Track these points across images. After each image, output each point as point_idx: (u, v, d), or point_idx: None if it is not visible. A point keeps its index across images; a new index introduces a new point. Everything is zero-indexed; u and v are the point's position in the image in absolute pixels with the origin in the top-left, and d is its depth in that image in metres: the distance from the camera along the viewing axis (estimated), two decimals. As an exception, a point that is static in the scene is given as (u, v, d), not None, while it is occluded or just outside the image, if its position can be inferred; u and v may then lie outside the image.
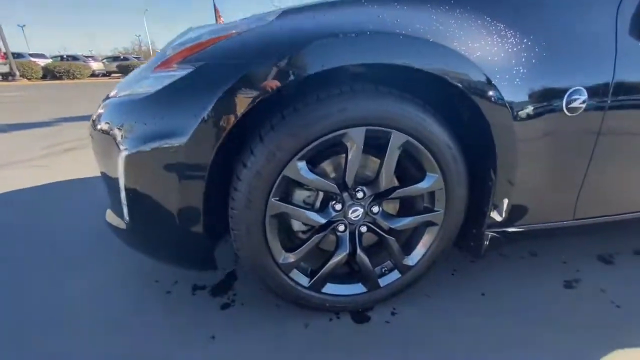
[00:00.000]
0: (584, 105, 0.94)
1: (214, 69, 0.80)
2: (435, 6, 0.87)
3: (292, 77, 0.77)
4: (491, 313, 1.09)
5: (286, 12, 0.89)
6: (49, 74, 16.98)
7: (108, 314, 1.09)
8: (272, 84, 0.77)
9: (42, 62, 18.18)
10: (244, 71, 0.77)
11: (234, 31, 0.87)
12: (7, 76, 14.69)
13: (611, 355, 0.93)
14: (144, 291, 1.19)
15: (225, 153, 0.88)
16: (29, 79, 16.09)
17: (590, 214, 1.14)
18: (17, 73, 15.09)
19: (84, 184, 2.26)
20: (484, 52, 0.86)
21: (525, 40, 0.90)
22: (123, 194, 0.90)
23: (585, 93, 0.93)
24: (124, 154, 0.84)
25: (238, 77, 0.76)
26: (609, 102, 0.96)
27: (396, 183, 1.03)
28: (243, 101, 0.77)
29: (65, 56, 22.77)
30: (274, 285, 0.97)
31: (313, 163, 0.99)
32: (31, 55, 19.62)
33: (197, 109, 0.77)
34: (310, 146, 0.84)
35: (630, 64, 0.96)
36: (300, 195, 0.99)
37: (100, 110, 0.97)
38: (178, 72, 0.82)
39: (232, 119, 0.77)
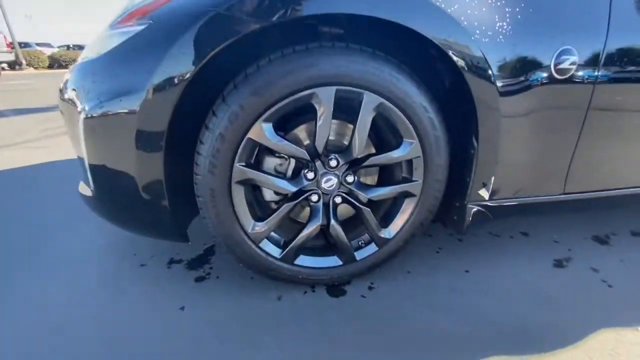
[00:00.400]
0: (574, 67, 0.87)
1: (170, 20, 0.75)
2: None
3: (253, 28, 0.72)
4: (473, 291, 1.04)
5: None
6: (55, 63, 17.06)
7: (79, 283, 1.07)
8: (231, 35, 0.72)
9: (48, 51, 18.25)
10: (200, 22, 0.72)
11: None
12: (14, 65, 14.79)
13: (599, 333, 0.88)
14: (120, 263, 1.17)
15: (193, 121, 0.84)
16: (36, 68, 16.19)
17: (577, 190, 1.07)
18: (24, 62, 15.19)
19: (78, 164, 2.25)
20: (463, 4, 0.79)
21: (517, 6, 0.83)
22: (86, 160, 0.87)
23: (576, 53, 0.86)
24: (82, 117, 0.81)
25: (193, 29, 0.71)
26: (601, 64, 0.89)
27: (373, 151, 0.98)
28: (198, 54, 0.72)
29: (71, 45, 22.83)
30: (243, 255, 0.94)
31: (285, 130, 0.95)
32: (38, 44, 19.68)
33: (151, 65, 0.72)
34: (276, 106, 0.79)
35: (626, 22, 0.89)
36: (271, 162, 0.95)
37: (66, 77, 0.94)
38: (136, 28, 0.78)
39: (188, 74, 0.73)
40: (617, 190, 1.13)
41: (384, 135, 0.95)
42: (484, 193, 1.00)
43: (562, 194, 1.07)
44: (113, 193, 0.90)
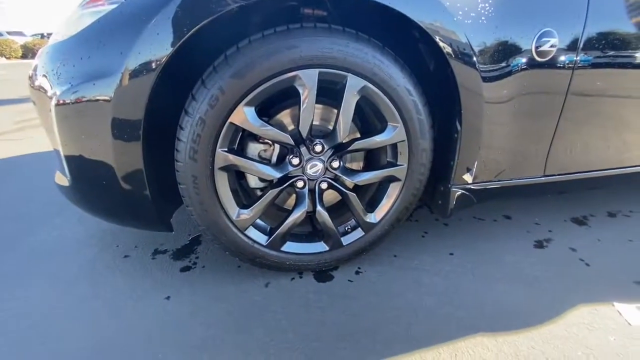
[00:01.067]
0: (554, 50, 0.88)
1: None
2: None
3: (231, 7, 0.69)
4: (456, 273, 1.06)
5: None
6: (29, 52, 16.28)
7: (59, 276, 1.04)
8: (208, 14, 0.69)
9: (21, 40, 17.37)
10: (172, 1, 0.69)
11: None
12: (-16, 55, 14.05)
13: (577, 308, 0.92)
14: (101, 255, 1.14)
15: (172, 106, 0.81)
16: (8, 58, 15.44)
17: (558, 171, 1.10)
18: (-5, 52, 14.44)
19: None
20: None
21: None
22: (60, 148, 0.84)
23: (556, 35, 0.87)
24: (53, 103, 0.77)
25: (169, 7, 0.68)
26: (580, 50, 0.90)
27: (358, 136, 0.98)
28: (174, 35, 0.69)
29: (46, 34, 21.78)
30: (229, 243, 0.93)
31: (268, 115, 0.94)
32: (9, 33, 18.66)
33: (125, 46, 0.69)
34: (258, 89, 0.77)
35: (605, 6, 0.90)
36: (254, 148, 0.93)
37: (35, 62, 0.89)
38: (107, 7, 0.74)
39: (164, 56, 0.70)
40: (595, 172, 1.17)
41: (368, 119, 0.95)
42: (468, 177, 1.01)
43: (543, 176, 1.10)
44: (91, 183, 0.87)
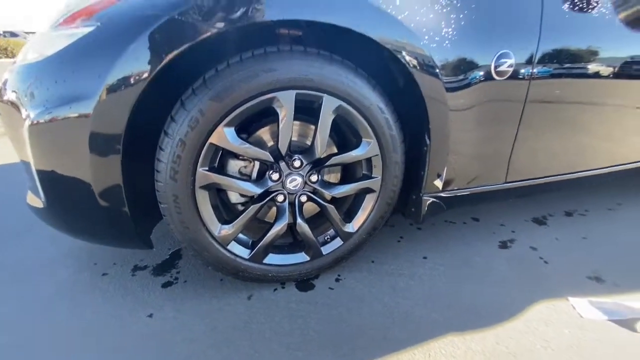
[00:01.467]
0: (511, 69, 0.96)
1: (120, 24, 0.72)
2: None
3: (209, 33, 0.72)
4: (429, 276, 1.13)
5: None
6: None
7: (35, 296, 1.02)
8: (186, 39, 0.71)
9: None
10: (153, 25, 0.70)
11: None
12: None
13: (536, 304, 1.00)
14: (79, 273, 1.12)
15: (151, 123, 0.82)
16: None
17: (519, 178, 1.20)
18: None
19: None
20: (413, 12, 0.84)
21: (454, 2, 0.89)
22: (34, 170, 0.82)
23: (513, 56, 0.95)
24: (27, 123, 0.76)
25: (147, 32, 0.70)
26: (535, 65, 0.99)
27: (335, 151, 1.02)
28: (153, 60, 0.71)
29: (2, 32, 20.39)
30: (211, 258, 0.95)
31: (248, 132, 0.96)
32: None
33: (102, 70, 0.70)
34: (237, 111, 0.80)
35: (556, 28, 0.99)
36: (235, 165, 0.96)
37: (5, 78, 0.87)
38: (82, 30, 0.74)
39: (142, 81, 0.71)
40: (553, 177, 1.28)
41: (344, 135, 0.99)
42: (438, 184, 1.09)
43: (505, 182, 1.19)
44: (66, 202, 0.86)
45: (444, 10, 0.88)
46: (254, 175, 0.97)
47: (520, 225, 1.45)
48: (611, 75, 1.15)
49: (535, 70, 1.00)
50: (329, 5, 0.77)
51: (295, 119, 0.88)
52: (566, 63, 1.06)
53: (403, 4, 0.83)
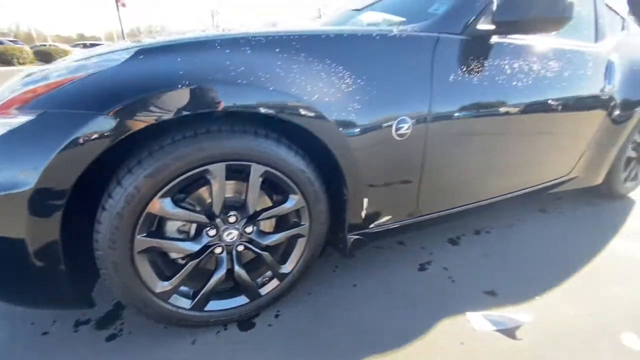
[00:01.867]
0: (409, 131, 1.17)
1: (57, 116, 0.80)
2: (281, 52, 0.99)
3: (140, 125, 0.82)
4: (360, 302, 1.30)
5: (140, 52, 0.92)
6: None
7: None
8: (119, 132, 0.80)
9: None
10: (90, 119, 0.79)
11: (82, 73, 0.87)
12: None
13: (443, 321, 1.21)
14: (15, 335, 1.12)
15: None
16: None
17: (430, 211, 1.42)
18: None
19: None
20: (322, 93, 1.01)
21: (358, 81, 1.08)
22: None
23: (409, 121, 1.16)
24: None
25: (83, 126, 0.78)
26: (428, 126, 1.22)
27: (269, 203, 1.15)
28: (88, 152, 0.79)
29: None
30: (153, 313, 1.02)
31: (187, 192, 1.06)
32: None
33: (38, 161, 0.76)
34: (172, 184, 0.90)
35: (442, 97, 1.23)
36: (173, 225, 1.05)
37: None
38: (16, 119, 0.80)
39: (77, 170, 0.79)
40: (459, 207, 1.53)
41: (275, 191, 1.13)
42: (359, 223, 1.27)
43: (419, 216, 1.40)
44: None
45: (351, 89, 1.06)
46: (192, 232, 1.06)
47: (437, 247, 1.69)
48: (496, 123, 1.42)
49: (430, 127, 1.22)
50: (253, 97, 0.91)
51: (229, 178, 1.00)
52: (455, 118, 1.28)
53: (314, 89, 1.00)
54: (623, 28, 2.04)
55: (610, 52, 1.84)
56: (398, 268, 1.52)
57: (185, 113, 0.85)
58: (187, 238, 1.05)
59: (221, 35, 1.02)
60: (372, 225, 1.30)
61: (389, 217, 1.32)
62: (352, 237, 1.27)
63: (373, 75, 1.10)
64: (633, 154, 2.23)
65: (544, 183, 1.87)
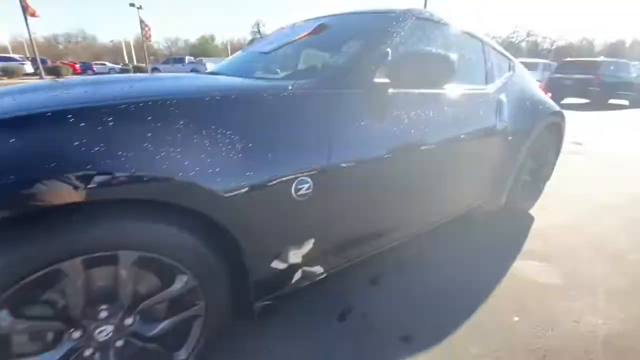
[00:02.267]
0: (310, 191, 1.12)
1: None
2: (153, 122, 0.88)
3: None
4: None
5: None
6: None
7: None
8: None
9: None
10: None
11: None
12: None
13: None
14: None
15: None
16: None
17: (341, 263, 1.40)
18: None
19: None
20: (205, 164, 0.91)
21: (250, 145, 1.00)
22: None
23: (310, 181, 1.12)
24: None
25: None
26: (329, 181, 1.18)
27: (153, 287, 1.00)
28: None
29: None
30: None
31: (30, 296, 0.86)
32: None
33: None
34: (13, 289, 0.72)
35: (341, 152, 1.21)
36: (22, 337, 0.85)
37: None
38: None
39: None
40: (370, 253, 1.53)
41: (159, 272, 0.99)
42: (268, 287, 1.18)
43: (326, 271, 1.36)
44: None
45: (241, 155, 0.98)
46: (49, 339, 0.87)
47: (358, 290, 1.66)
48: (401, 167, 1.46)
49: (330, 185, 1.19)
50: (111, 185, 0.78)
51: (95, 265, 0.84)
52: (355, 175, 1.27)
53: (196, 161, 0.90)
54: (509, 69, 2.29)
55: (499, 92, 2.05)
56: (318, 321, 1.45)
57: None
58: (43, 348, 0.86)
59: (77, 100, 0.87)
60: (282, 288, 1.22)
61: (299, 277, 1.26)
62: (259, 304, 1.18)
63: (267, 136, 1.04)
64: (527, 177, 2.51)
65: (453, 214, 1.99)
